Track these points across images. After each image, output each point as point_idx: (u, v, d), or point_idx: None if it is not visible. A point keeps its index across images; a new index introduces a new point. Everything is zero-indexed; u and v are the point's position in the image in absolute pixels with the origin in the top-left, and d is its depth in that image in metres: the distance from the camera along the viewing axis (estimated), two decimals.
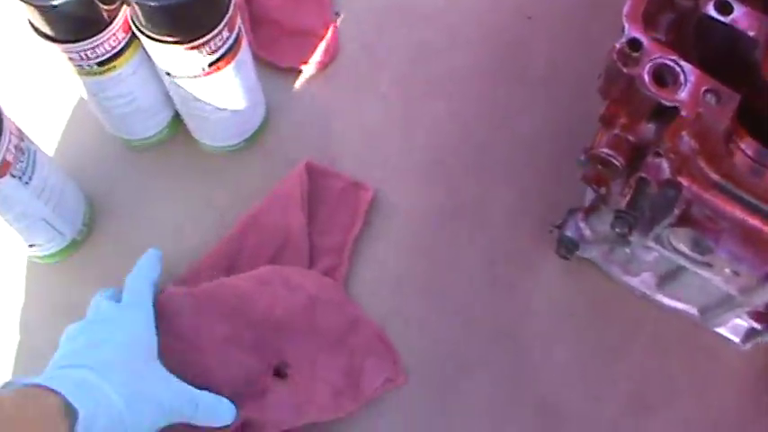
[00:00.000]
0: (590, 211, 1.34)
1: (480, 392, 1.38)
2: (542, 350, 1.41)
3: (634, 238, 1.25)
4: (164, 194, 1.53)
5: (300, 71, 1.66)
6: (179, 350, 1.25)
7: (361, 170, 1.53)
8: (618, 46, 1.05)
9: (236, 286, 1.32)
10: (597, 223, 1.32)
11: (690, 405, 1.38)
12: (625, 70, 1.05)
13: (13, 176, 1.24)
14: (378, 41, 1.68)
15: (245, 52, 1.38)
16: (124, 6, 1.30)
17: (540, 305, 1.43)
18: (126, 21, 1.31)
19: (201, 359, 1.25)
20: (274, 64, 1.65)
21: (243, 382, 1.26)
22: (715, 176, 1.11)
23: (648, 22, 1.17)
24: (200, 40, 1.26)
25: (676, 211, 1.15)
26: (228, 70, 1.35)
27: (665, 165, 1.13)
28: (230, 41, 1.31)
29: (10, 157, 1.22)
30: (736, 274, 1.16)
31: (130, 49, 1.35)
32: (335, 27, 1.69)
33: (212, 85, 1.36)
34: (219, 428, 1.20)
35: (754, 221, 1.13)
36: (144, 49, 1.34)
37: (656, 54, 1.05)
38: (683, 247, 1.19)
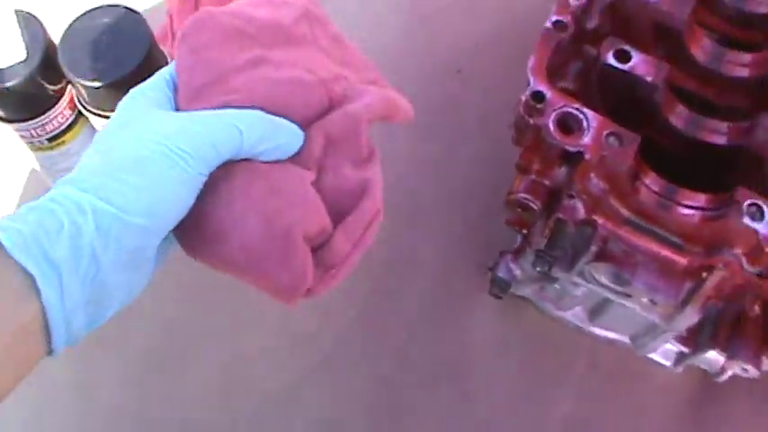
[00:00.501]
0: (518, 252, 1.41)
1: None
2: (482, 387, 1.46)
3: (560, 274, 1.32)
4: None
5: None
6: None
7: None
8: (523, 99, 1.13)
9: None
10: (525, 263, 1.39)
11: (625, 427, 1.45)
12: (531, 121, 1.12)
13: None
14: None
15: None
16: (69, 86, 1.36)
17: (478, 344, 1.49)
18: (72, 98, 1.38)
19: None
20: None
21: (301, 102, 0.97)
22: (626, 213, 1.18)
23: (557, 72, 1.26)
24: None
25: (594, 248, 1.22)
26: None
27: (579, 205, 1.20)
28: None
29: None
30: (653, 303, 1.23)
31: (78, 125, 1.41)
32: None
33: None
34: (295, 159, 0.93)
35: (666, 253, 1.21)
36: (91, 123, 1.41)
37: (559, 104, 1.13)
38: (605, 280, 1.26)
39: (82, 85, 1.28)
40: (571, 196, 1.19)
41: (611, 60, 1.19)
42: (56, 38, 1.32)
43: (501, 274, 1.43)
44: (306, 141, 0.95)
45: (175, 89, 0.93)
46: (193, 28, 0.96)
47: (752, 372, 1.30)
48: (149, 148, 0.79)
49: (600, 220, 1.20)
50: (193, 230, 0.85)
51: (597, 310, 1.44)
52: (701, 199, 1.15)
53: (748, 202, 1.11)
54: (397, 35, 1.83)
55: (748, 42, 1.32)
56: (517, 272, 1.42)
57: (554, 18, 1.21)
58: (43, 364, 0.78)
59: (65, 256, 0.71)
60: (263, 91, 0.93)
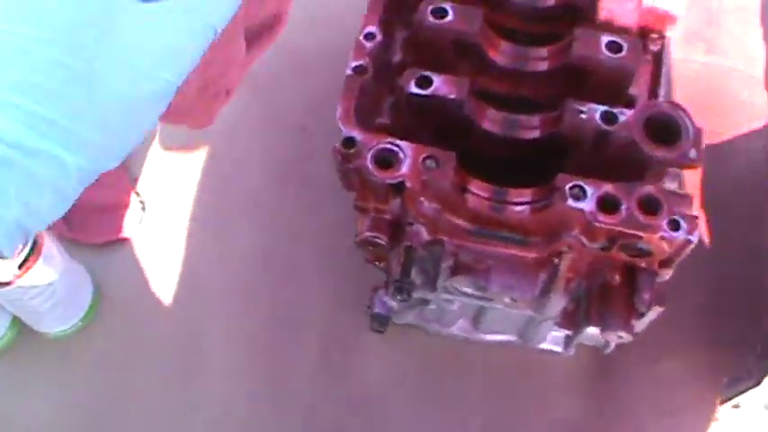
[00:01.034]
0: (387, 285, 1.47)
1: None
2: (388, 419, 1.52)
3: (429, 295, 1.38)
4: (18, 395, 1.61)
5: (119, 239, 1.76)
6: None
7: (190, 304, 1.65)
8: (336, 147, 1.19)
9: None
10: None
11: (535, 417, 1.51)
12: (351, 165, 1.18)
13: None
14: (178, 187, 1.81)
15: (48, 245, 1.48)
16: None
17: (376, 379, 1.55)
18: None
19: None
20: (91, 242, 1.75)
21: None
22: (465, 225, 1.25)
23: (372, 111, 1.32)
24: None
25: (447, 264, 1.28)
26: (39, 266, 1.45)
27: (421, 229, 1.26)
28: (30, 241, 1.41)
29: None
30: (514, 300, 1.29)
31: None
32: (138, 195, 1.81)
33: (29, 282, 1.46)
34: None
35: (512, 251, 1.27)
36: None
37: (372, 143, 1.19)
38: (469, 290, 1.33)
39: None
40: (411, 223, 1.25)
41: (414, 89, 1.25)
42: None
43: (378, 309, 1.48)
44: None
45: None
46: None
47: (626, 337, 1.36)
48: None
49: (444, 238, 1.26)
50: None
51: (478, 319, 1.50)
52: (527, 194, 1.22)
53: (569, 185, 1.19)
54: (238, 106, 1.90)
55: (543, 36, 1.40)
56: (392, 303, 1.48)
57: (353, 64, 1.28)
58: None
59: None
60: None
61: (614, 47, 1.32)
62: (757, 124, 1.99)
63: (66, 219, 1.75)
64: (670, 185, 1.34)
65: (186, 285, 1.69)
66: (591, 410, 1.52)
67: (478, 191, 1.21)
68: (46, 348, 1.63)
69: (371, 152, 1.18)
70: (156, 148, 1.87)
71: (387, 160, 1.19)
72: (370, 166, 1.17)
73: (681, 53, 2.06)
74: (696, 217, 1.19)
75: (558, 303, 1.35)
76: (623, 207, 1.17)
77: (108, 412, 1.58)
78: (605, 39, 1.32)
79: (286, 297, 1.63)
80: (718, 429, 1.56)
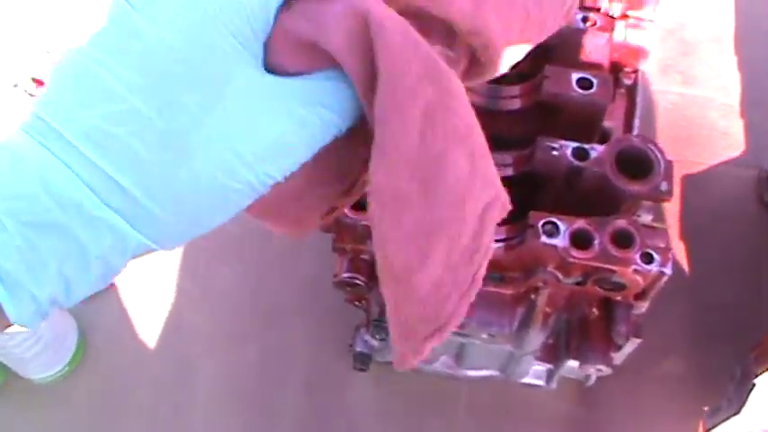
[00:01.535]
0: (368, 324, 1.48)
1: None
2: None
3: None
4: None
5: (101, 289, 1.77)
6: None
7: (176, 348, 1.65)
8: None
9: None
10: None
11: None
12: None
13: None
14: None
15: None
16: None
17: (362, 418, 1.56)
18: None
19: None
20: None
21: None
22: None
23: None
24: None
25: None
26: None
27: None
28: None
29: None
30: (492, 336, 1.31)
31: None
32: None
33: (14, 329, 1.46)
34: None
35: (489, 288, 1.29)
36: None
37: None
38: None
39: None
40: None
41: None
42: None
43: (359, 348, 1.50)
44: None
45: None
46: None
47: (605, 370, 1.38)
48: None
49: None
50: None
51: (461, 354, 1.51)
52: (501, 231, 1.23)
53: (542, 222, 1.20)
54: None
55: (516, 75, 1.42)
56: (373, 342, 1.49)
57: None
58: None
59: None
60: None
61: (585, 83, 1.34)
62: (735, 153, 2.02)
63: None
64: (645, 217, 1.36)
65: (171, 329, 1.70)
66: None
67: None
68: (32, 393, 1.64)
69: None
70: None
71: (361, 202, 1.20)
72: (346, 210, 1.18)
73: (658, 85, 2.08)
74: (669, 249, 1.20)
75: (536, 338, 1.37)
76: (596, 242, 1.18)
77: None
78: (576, 76, 1.34)
79: (271, 338, 1.64)
80: None
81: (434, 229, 0.62)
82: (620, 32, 1.56)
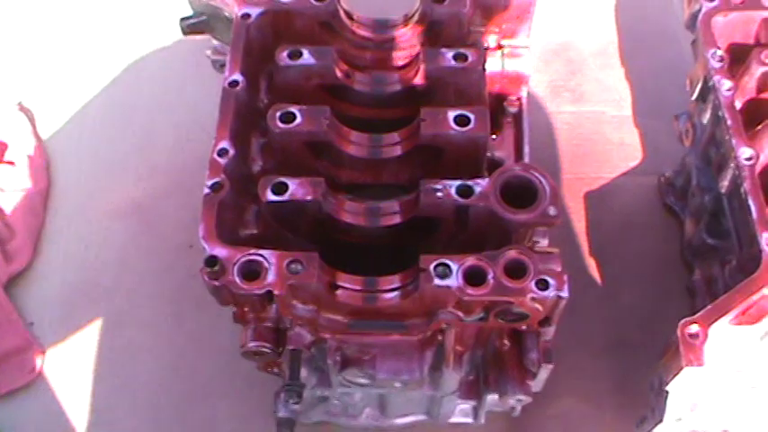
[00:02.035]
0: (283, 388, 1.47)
1: None
2: None
3: (327, 392, 1.39)
4: None
5: (21, 386, 1.75)
6: None
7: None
8: (201, 268, 1.20)
9: None
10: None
11: None
12: (218, 283, 1.19)
13: None
14: (76, 326, 1.81)
15: None
16: None
17: None
18: None
19: None
20: None
21: None
22: (343, 319, 1.26)
23: (235, 226, 1.34)
24: None
25: (334, 360, 1.30)
26: None
27: (302, 331, 1.27)
28: None
29: None
30: (404, 384, 1.31)
31: None
32: (34, 339, 1.80)
33: None
34: None
35: (394, 337, 1.29)
36: None
37: (236, 257, 1.20)
38: (363, 380, 1.34)
39: None
40: (288, 328, 1.26)
41: (271, 197, 1.27)
42: None
43: (282, 413, 1.47)
44: None
45: None
46: None
47: (525, 399, 1.38)
48: None
49: (326, 335, 1.28)
50: None
51: (383, 405, 1.51)
52: (395, 279, 1.23)
53: (434, 264, 1.20)
54: (126, 235, 1.92)
55: (400, 121, 1.43)
56: (294, 406, 1.48)
57: (209, 182, 1.29)
58: None
59: None
60: None
61: (462, 120, 1.35)
62: (633, 162, 2.05)
63: None
64: (542, 242, 1.38)
65: (95, 420, 1.69)
66: None
67: (348, 284, 1.23)
68: None
69: (236, 266, 1.20)
70: (49, 289, 1.87)
71: (254, 271, 1.20)
72: (237, 281, 1.19)
73: (550, 106, 2.12)
74: (563, 273, 1.21)
75: (452, 377, 1.37)
76: (490, 276, 1.19)
77: None
78: (452, 114, 1.36)
79: (195, 414, 1.64)
80: None
81: None
82: (497, 63, 1.59)
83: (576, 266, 1.86)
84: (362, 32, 1.53)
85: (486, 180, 1.29)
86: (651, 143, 2.08)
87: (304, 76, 1.43)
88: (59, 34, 2.32)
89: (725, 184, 1.54)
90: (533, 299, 1.20)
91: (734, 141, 1.46)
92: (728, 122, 1.49)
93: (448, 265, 1.20)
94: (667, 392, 1.33)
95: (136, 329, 1.79)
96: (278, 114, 1.35)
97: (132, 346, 1.77)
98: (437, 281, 1.19)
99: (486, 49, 1.59)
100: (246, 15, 1.48)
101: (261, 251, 1.21)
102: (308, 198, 1.27)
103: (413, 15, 1.53)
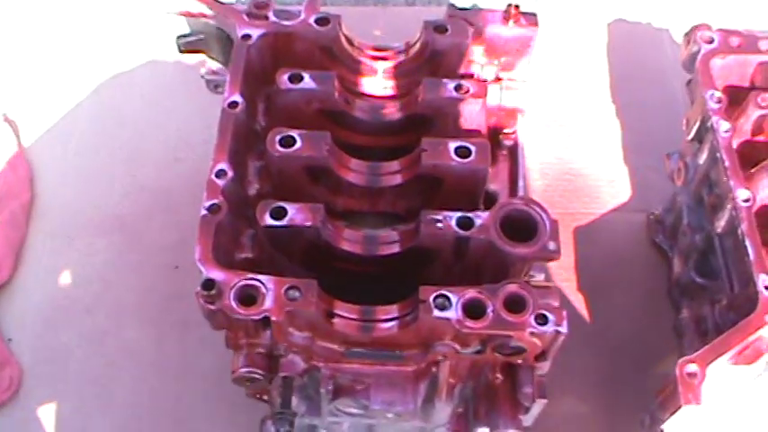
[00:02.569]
0: (273, 416, 1.45)
1: None
2: None
3: (316, 421, 1.37)
4: None
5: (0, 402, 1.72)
6: None
7: None
8: (197, 291, 1.18)
9: None
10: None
11: None
12: (213, 307, 1.17)
13: None
14: (56, 346, 1.77)
15: None
16: None
17: None
18: None
19: None
20: None
21: None
22: (338, 348, 1.24)
23: (231, 249, 1.32)
24: None
25: (327, 389, 1.28)
26: None
27: (296, 358, 1.26)
28: None
29: None
30: (398, 415, 1.29)
31: None
32: (12, 356, 1.76)
33: None
34: None
35: (389, 367, 1.27)
36: None
37: (233, 281, 1.18)
38: (354, 410, 1.32)
39: None
40: (284, 354, 1.24)
41: (269, 221, 1.25)
42: None
43: None
44: None
45: None
46: None
47: None
48: None
49: (320, 363, 1.26)
50: None
51: None
52: (393, 310, 1.22)
53: (433, 296, 1.19)
54: (110, 252, 1.90)
55: (399, 149, 1.43)
56: None
57: (206, 204, 1.27)
58: None
59: None
60: None
61: (463, 152, 1.35)
62: (622, 199, 2.05)
63: None
64: (538, 277, 1.37)
65: None
66: None
67: (345, 313, 1.22)
68: None
69: (233, 291, 1.18)
70: (29, 305, 1.84)
71: (250, 296, 1.18)
72: (234, 305, 1.17)
73: (541, 141, 2.11)
74: (562, 309, 1.20)
75: (443, 410, 1.36)
76: (489, 310, 1.18)
77: None
78: (453, 145, 1.35)
79: None
80: None
81: None
82: (495, 96, 1.58)
83: (565, 301, 1.85)
84: (363, 59, 1.52)
85: (487, 213, 1.28)
86: (640, 180, 2.08)
87: (304, 100, 1.42)
88: (48, 45, 2.29)
89: (721, 224, 1.54)
90: (532, 333, 1.19)
91: (731, 183, 1.47)
92: (726, 164, 1.49)
93: (448, 297, 1.19)
94: (662, 431, 1.32)
95: (117, 349, 1.76)
96: (278, 138, 1.33)
97: (113, 367, 1.74)
98: (436, 312, 1.18)
99: (484, 81, 1.59)
100: (247, 36, 1.47)
101: (258, 276, 1.20)
102: (307, 224, 1.26)
103: (414, 44, 1.52)
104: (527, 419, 1.38)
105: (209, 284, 1.18)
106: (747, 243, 1.41)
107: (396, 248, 1.30)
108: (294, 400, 1.30)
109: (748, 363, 1.32)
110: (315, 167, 1.35)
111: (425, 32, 1.50)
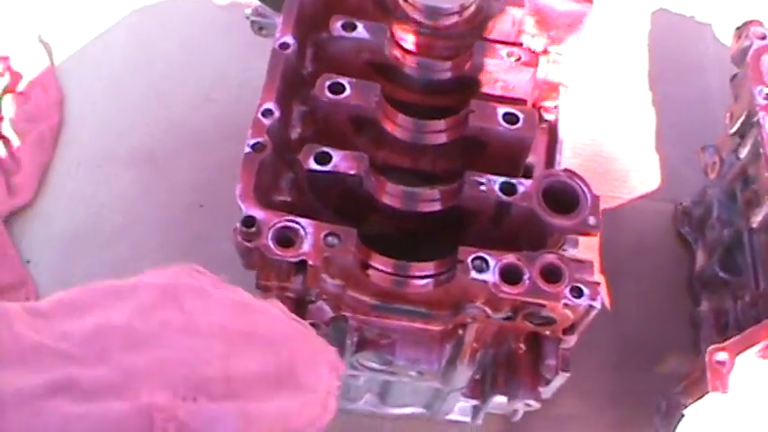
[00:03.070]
0: None
1: None
2: None
3: None
4: None
5: None
6: None
7: None
8: (237, 227, 1.17)
9: None
10: None
11: None
12: (250, 245, 1.16)
13: None
14: (74, 270, 1.77)
15: None
16: None
17: None
18: None
19: None
20: None
21: None
22: (368, 300, 1.24)
23: (271, 188, 1.31)
24: None
25: (352, 340, 1.27)
26: None
27: (325, 306, 1.25)
28: None
29: None
30: (420, 374, 1.29)
31: None
32: (29, 277, 1.76)
33: None
34: None
35: (417, 324, 1.27)
36: None
37: (272, 221, 1.17)
38: (375, 365, 1.31)
39: None
40: (314, 300, 1.24)
41: (313, 165, 1.24)
42: None
43: None
44: None
45: None
46: None
47: (534, 404, 1.37)
48: None
49: (348, 314, 1.25)
50: None
51: (385, 392, 1.48)
52: (429, 267, 1.21)
53: (472, 257, 1.19)
54: (137, 185, 1.88)
55: (443, 109, 1.42)
56: None
57: (251, 141, 1.26)
58: None
59: None
60: None
61: (511, 118, 1.34)
62: (651, 187, 2.04)
63: None
64: (570, 251, 1.36)
65: None
66: None
67: (381, 266, 1.21)
68: None
69: (272, 231, 1.17)
70: (50, 230, 1.83)
71: (288, 238, 1.17)
72: (272, 245, 1.16)
73: (576, 120, 2.10)
74: (598, 283, 1.20)
75: (464, 374, 1.35)
76: (526, 277, 1.18)
77: None
78: (502, 110, 1.34)
79: None
80: None
81: None
82: (542, 68, 1.57)
83: None
84: (416, 16, 1.50)
85: (529, 181, 1.27)
86: (670, 170, 2.08)
87: (355, 49, 1.41)
88: None
89: (757, 219, 1.54)
90: (566, 305, 1.19)
91: None
92: None
93: (486, 260, 1.18)
94: (682, 416, 1.32)
95: None
96: (327, 84, 1.32)
97: None
98: (473, 274, 1.17)
99: (534, 52, 1.57)
100: None
101: (298, 219, 1.19)
102: (351, 172, 1.25)
103: (469, 6, 1.51)
104: (546, 392, 1.37)
105: (248, 221, 1.17)
106: None
107: (436, 206, 1.29)
108: None
109: None
110: (361, 117, 1.34)
111: None
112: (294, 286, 1.24)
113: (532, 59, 1.45)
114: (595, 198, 1.27)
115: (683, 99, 2.22)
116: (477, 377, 1.44)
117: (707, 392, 1.25)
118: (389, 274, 1.21)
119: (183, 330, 0.84)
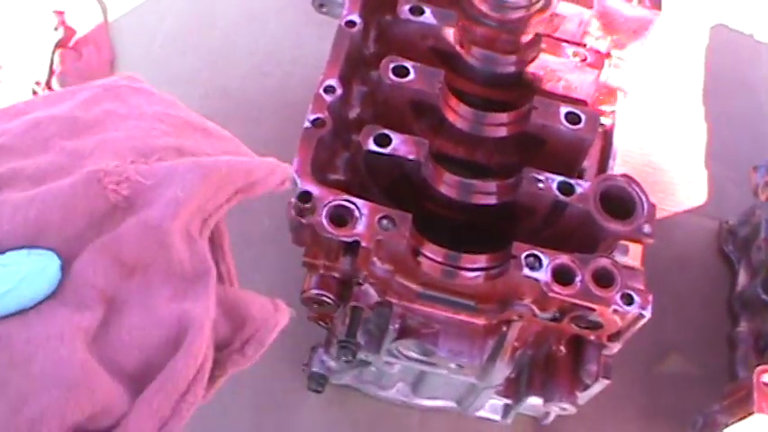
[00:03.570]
0: (328, 344, 1.44)
1: None
2: None
3: (371, 357, 1.35)
4: None
5: None
6: None
7: None
8: (292, 201, 1.15)
9: None
10: (335, 355, 1.42)
11: None
12: (304, 221, 1.15)
13: None
14: None
15: None
16: None
17: None
18: None
19: None
20: None
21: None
22: (416, 287, 1.22)
23: (326, 166, 1.30)
24: None
25: (394, 327, 1.26)
26: None
27: (370, 290, 1.23)
28: None
29: None
30: (460, 367, 1.27)
31: None
32: None
33: None
34: None
35: (462, 317, 1.25)
36: None
37: (328, 198, 1.16)
38: (414, 354, 1.30)
39: None
40: (360, 283, 1.22)
41: (373, 146, 1.23)
42: None
43: (315, 368, 1.45)
44: (78, 270, 0.70)
45: None
46: None
47: (570, 409, 1.35)
48: None
49: (393, 300, 1.24)
50: None
51: (418, 383, 1.47)
52: (481, 260, 1.20)
53: (525, 254, 1.17)
54: None
55: (502, 103, 1.40)
56: (331, 363, 1.44)
57: (311, 117, 1.25)
58: None
59: None
60: None
61: (573, 118, 1.32)
62: (697, 202, 2.02)
63: None
64: (620, 258, 1.34)
65: None
66: None
67: (432, 254, 1.19)
68: None
69: (327, 208, 1.15)
70: None
71: (341, 217, 1.16)
72: (325, 223, 1.14)
73: (628, 128, 2.07)
74: (649, 292, 1.18)
75: (502, 372, 1.33)
76: (578, 279, 1.16)
77: None
78: (564, 109, 1.32)
79: None
80: None
81: None
82: (604, 72, 1.55)
83: None
84: (483, 8, 1.48)
85: (587, 183, 1.25)
86: (717, 187, 2.05)
87: (421, 33, 1.39)
88: None
89: None
90: (615, 311, 1.17)
91: None
92: None
93: (539, 258, 1.17)
94: None
95: None
96: (391, 66, 1.30)
97: None
98: (526, 270, 1.15)
99: (600, 54, 1.55)
100: None
101: (354, 198, 1.17)
102: (410, 157, 1.23)
103: (536, 2, 1.49)
104: (583, 397, 1.36)
105: (304, 197, 1.15)
106: None
107: (491, 200, 1.27)
108: (358, 333, 1.28)
109: None
110: (422, 103, 1.32)
111: None
112: (341, 267, 1.23)
113: (598, 61, 1.43)
114: (652, 206, 1.25)
115: (736, 116, 2.19)
116: (513, 376, 1.42)
117: (752, 413, 1.23)
118: (440, 263, 1.19)
119: (127, 117, 0.84)
